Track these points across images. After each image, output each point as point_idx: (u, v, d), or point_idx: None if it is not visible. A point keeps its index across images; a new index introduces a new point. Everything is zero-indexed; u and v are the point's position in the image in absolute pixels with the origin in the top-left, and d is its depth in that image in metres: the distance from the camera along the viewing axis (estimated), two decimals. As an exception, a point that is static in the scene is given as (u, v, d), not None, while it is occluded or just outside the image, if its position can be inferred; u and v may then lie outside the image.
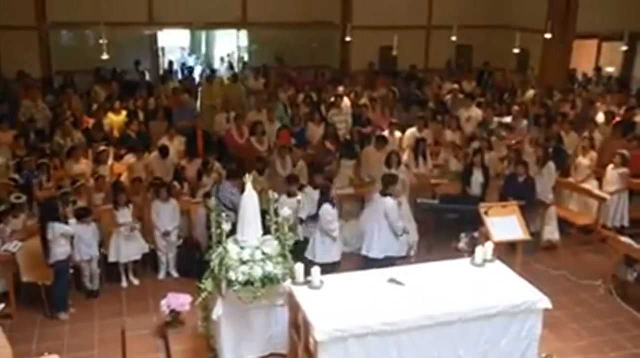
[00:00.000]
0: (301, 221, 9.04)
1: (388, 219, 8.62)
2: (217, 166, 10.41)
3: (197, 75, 18.34)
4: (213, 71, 17.74)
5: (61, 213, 8.25)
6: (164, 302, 7.56)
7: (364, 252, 8.84)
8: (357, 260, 9.12)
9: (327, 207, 8.54)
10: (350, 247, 9.79)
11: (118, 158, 11.00)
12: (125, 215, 8.97)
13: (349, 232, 9.99)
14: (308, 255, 8.68)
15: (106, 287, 9.09)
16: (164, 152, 10.93)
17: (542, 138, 11.78)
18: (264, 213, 6.61)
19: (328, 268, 7.78)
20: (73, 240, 8.41)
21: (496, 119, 13.19)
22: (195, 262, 9.13)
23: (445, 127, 13.01)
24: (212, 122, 13.22)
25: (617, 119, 13.20)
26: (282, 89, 15.38)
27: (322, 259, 8.47)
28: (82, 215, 8.63)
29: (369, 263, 8.54)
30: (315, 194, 9.10)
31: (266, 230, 6.59)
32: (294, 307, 6.35)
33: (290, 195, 8.99)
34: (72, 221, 8.41)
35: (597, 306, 8.74)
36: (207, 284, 6.50)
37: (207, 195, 8.91)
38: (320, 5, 18.72)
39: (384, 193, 8.70)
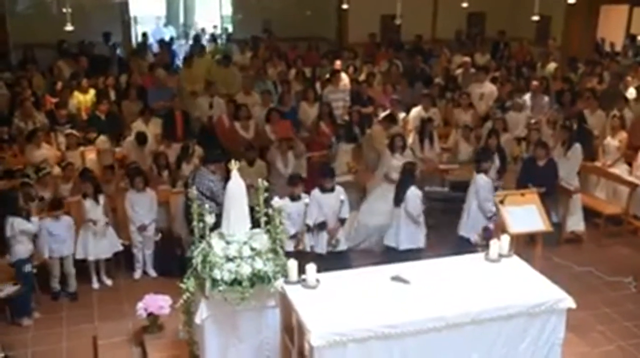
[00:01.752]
0: (308, 228, 8.79)
1: (478, 197, 9.16)
2: (199, 151, 10.43)
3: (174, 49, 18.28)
4: (193, 48, 17.56)
5: (22, 206, 8.26)
6: (140, 305, 7.58)
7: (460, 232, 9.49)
8: (361, 256, 9.21)
9: (414, 189, 8.88)
10: (350, 241, 9.88)
11: (86, 142, 10.99)
12: (95, 207, 8.97)
13: (348, 224, 10.07)
14: (389, 242, 9.13)
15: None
16: (141, 139, 10.90)
17: (562, 117, 11.82)
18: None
19: (411, 256, 8.15)
20: (36, 237, 8.42)
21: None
22: (175, 259, 9.18)
23: (455, 106, 13.05)
24: (192, 107, 13.00)
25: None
26: (271, 64, 15.36)
27: (406, 245, 8.92)
28: (55, 208, 8.62)
29: (461, 243, 9.19)
30: (325, 198, 8.78)
31: (254, 223, 6.63)
32: (287, 309, 6.39)
33: (294, 198, 8.68)
34: (34, 219, 8.36)
35: (627, 306, 8.81)
36: (189, 284, 6.52)
37: (187, 184, 8.92)
38: (313, -32, 18.76)
39: (478, 170, 9.27)
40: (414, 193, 8.87)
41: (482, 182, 9.25)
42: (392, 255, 8.78)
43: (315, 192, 8.83)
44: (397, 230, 9.00)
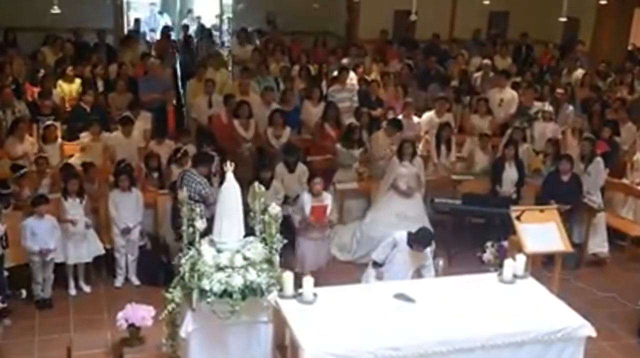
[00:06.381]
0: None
1: None
2: (192, 151, 10.45)
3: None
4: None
5: None
6: (120, 315, 7.58)
7: None
8: (363, 270, 9.17)
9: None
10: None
11: (73, 136, 11.01)
12: (76, 207, 8.94)
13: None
14: None
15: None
16: (126, 123, 10.96)
17: (588, 127, 11.84)
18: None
19: None
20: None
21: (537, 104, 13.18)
22: (160, 266, 9.21)
23: (472, 111, 13.06)
24: (189, 107, 12.93)
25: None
26: (274, 59, 15.36)
27: None
28: (38, 204, 8.59)
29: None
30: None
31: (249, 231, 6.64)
32: (280, 325, 6.40)
33: None
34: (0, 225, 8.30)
35: (653, 337, 8.79)
36: (175, 294, 6.54)
37: (174, 187, 8.92)
38: (322, -43, 18.76)
39: None
40: None
41: None
42: None
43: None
44: None
